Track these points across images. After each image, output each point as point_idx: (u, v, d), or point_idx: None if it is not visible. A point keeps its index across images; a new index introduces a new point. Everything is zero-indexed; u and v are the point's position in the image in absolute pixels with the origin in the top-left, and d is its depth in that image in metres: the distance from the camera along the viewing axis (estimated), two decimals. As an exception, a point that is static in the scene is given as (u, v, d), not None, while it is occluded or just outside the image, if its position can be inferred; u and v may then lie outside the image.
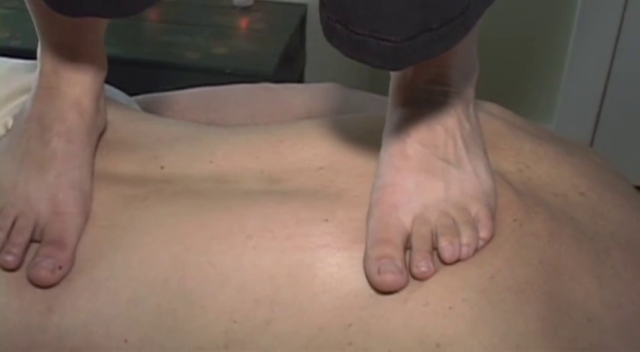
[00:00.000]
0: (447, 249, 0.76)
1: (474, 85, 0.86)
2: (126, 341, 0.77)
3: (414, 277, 0.75)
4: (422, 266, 0.75)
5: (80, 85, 0.87)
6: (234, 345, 0.76)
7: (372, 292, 0.75)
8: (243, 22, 2.15)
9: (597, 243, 0.83)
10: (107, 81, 0.93)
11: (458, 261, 0.76)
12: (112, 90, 1.06)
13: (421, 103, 0.83)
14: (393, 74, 0.86)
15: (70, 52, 0.86)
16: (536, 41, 2.29)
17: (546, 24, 2.27)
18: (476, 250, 0.77)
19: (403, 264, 0.76)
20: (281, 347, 0.75)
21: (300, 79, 2.30)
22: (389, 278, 0.74)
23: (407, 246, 0.77)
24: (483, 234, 0.78)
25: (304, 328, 0.75)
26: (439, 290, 0.74)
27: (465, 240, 0.77)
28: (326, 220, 0.80)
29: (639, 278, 0.83)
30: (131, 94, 1.16)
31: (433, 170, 0.80)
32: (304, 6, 2.27)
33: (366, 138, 0.89)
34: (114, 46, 1.92)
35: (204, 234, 0.80)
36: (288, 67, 2.11)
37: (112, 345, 0.77)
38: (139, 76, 1.86)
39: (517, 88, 2.30)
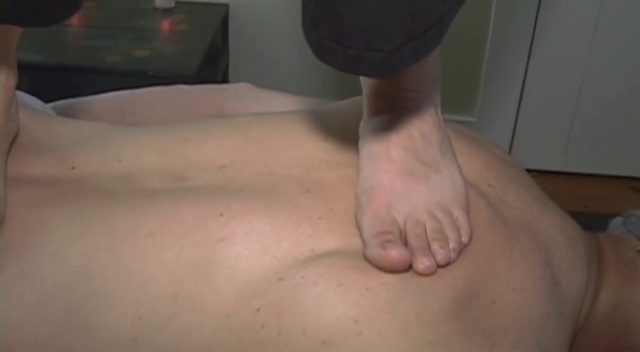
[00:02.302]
0: (439, 253, 0.78)
1: (439, 88, 0.89)
2: (37, 340, 0.77)
3: (419, 273, 0.77)
4: (426, 261, 0.77)
5: None
6: (142, 339, 0.77)
7: (274, 278, 0.77)
8: (165, 24, 2.15)
9: (507, 229, 0.86)
10: (27, 86, 0.92)
11: (447, 264, 0.78)
12: (25, 97, 1.06)
13: (397, 110, 0.85)
14: (367, 84, 0.88)
15: None
16: (455, 38, 2.32)
17: (465, 22, 2.30)
18: (459, 254, 0.80)
19: (405, 248, 0.77)
20: (189, 336, 0.77)
21: (224, 78, 2.30)
22: (394, 253, 0.75)
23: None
24: (465, 238, 0.81)
25: (210, 317, 0.77)
26: (353, 274, 0.76)
27: (452, 244, 0.79)
28: (221, 214, 0.81)
29: (541, 264, 0.86)
30: (52, 99, 1.16)
31: (416, 173, 0.82)
32: (226, 6, 2.27)
33: (267, 137, 0.91)
34: (35, 51, 1.89)
35: (109, 232, 0.81)
36: (211, 67, 2.11)
37: (23, 345, 0.77)
38: (60, 81, 1.85)
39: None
